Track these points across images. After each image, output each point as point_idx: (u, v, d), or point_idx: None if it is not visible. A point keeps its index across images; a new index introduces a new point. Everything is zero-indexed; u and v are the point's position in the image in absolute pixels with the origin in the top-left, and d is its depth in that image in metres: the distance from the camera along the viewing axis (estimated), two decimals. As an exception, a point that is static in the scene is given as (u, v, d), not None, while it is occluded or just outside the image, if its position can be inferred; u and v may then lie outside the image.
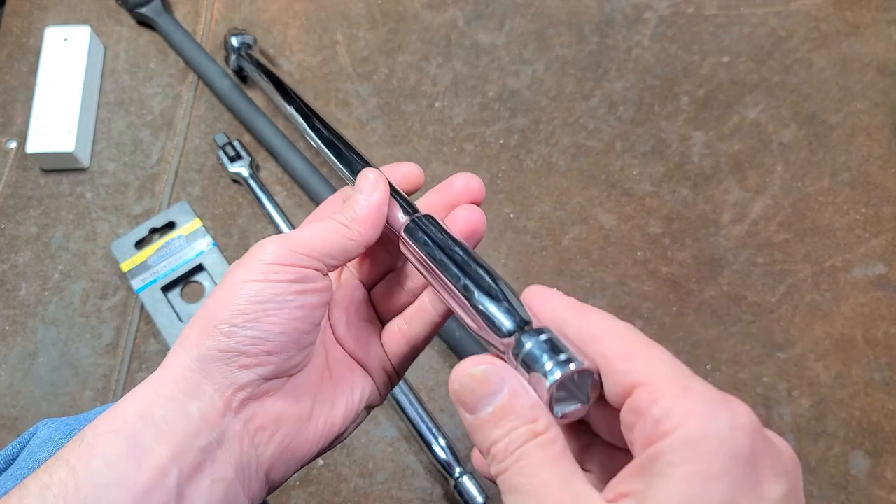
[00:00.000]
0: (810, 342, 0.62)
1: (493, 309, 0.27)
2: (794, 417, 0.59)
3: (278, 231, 0.67)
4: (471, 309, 0.28)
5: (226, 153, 0.70)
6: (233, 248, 0.68)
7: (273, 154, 0.71)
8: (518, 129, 0.71)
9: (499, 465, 0.23)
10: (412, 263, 0.32)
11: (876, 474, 0.57)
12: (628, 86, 0.72)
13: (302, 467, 0.31)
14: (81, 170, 0.72)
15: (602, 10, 0.76)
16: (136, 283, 0.65)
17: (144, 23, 0.78)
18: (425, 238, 0.31)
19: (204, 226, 0.68)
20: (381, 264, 0.36)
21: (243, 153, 0.70)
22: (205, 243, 0.67)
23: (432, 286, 0.30)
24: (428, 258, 0.30)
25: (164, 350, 0.64)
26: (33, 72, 0.74)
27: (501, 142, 0.71)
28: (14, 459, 0.38)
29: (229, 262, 0.67)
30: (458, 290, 0.28)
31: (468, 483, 0.56)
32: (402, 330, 0.34)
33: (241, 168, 0.69)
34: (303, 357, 0.31)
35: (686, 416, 0.21)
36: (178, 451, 0.27)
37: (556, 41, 0.75)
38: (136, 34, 0.78)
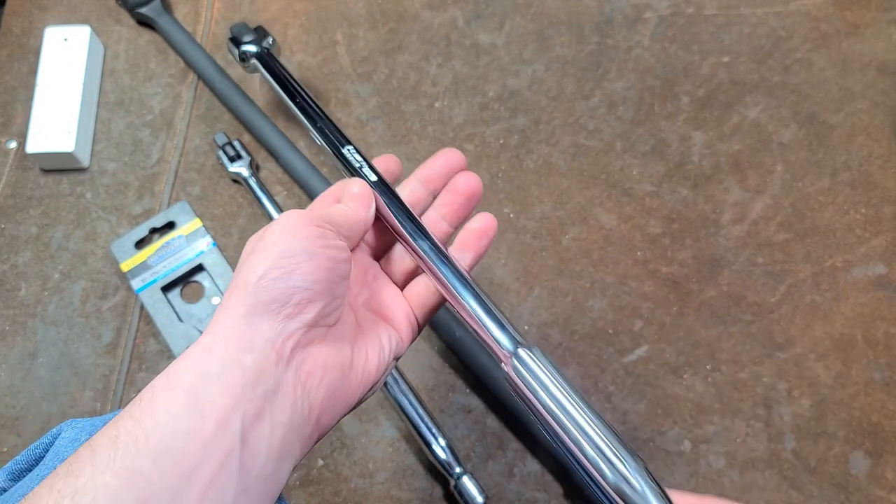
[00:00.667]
0: (810, 342, 0.62)
1: None
2: (794, 417, 0.59)
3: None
4: None
5: (226, 153, 0.70)
6: (233, 247, 0.68)
7: (273, 154, 0.71)
8: (518, 129, 0.71)
9: None
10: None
11: (876, 474, 0.57)
12: (628, 86, 0.72)
13: (346, 413, 0.34)
14: (81, 170, 0.72)
15: (602, 10, 0.76)
16: (135, 283, 0.65)
17: (144, 23, 0.78)
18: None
19: (204, 226, 0.68)
20: (382, 239, 0.43)
21: (243, 153, 0.70)
22: (205, 243, 0.67)
23: None
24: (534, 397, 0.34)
25: (164, 350, 0.64)
26: (33, 72, 0.74)
27: (501, 142, 0.71)
28: (38, 459, 0.38)
29: (229, 262, 0.67)
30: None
31: (468, 483, 0.56)
32: (418, 291, 0.41)
33: (240, 168, 0.69)
34: (337, 308, 0.34)
35: None
36: (238, 401, 0.28)
37: (556, 41, 0.75)
38: (135, 34, 0.78)
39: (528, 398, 0.33)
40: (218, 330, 0.30)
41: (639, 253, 0.66)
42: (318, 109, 0.52)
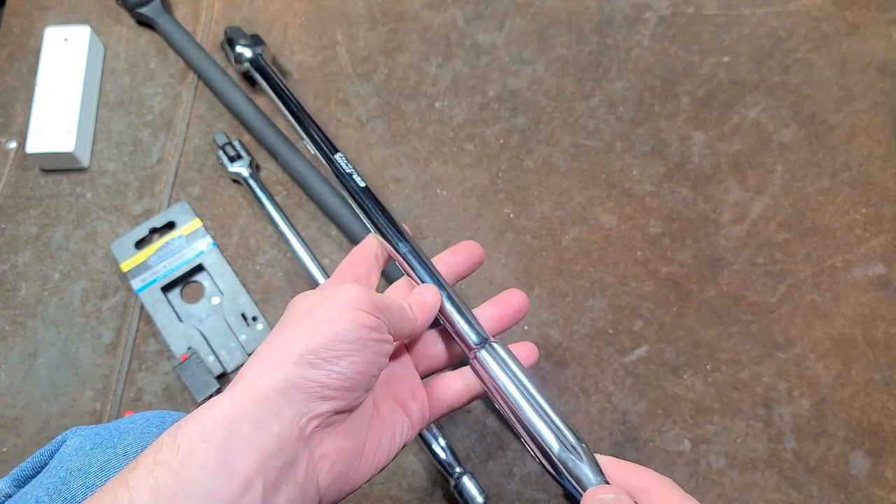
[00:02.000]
0: (810, 342, 0.62)
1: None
2: (794, 417, 0.59)
3: (278, 231, 0.67)
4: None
5: (226, 153, 0.70)
6: (233, 247, 0.68)
7: (273, 154, 0.71)
8: (518, 129, 0.71)
9: None
10: (486, 387, 0.39)
11: (876, 474, 0.57)
12: (628, 86, 0.72)
13: (349, 495, 0.35)
14: (81, 170, 0.72)
15: (602, 10, 0.76)
16: (135, 283, 0.65)
17: (144, 23, 0.78)
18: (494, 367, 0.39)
19: (204, 226, 0.68)
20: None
21: (243, 153, 0.70)
22: (205, 243, 0.67)
23: (503, 407, 0.38)
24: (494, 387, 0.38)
25: (163, 350, 0.64)
26: (33, 72, 0.74)
27: (501, 142, 0.71)
28: (42, 466, 0.38)
29: (229, 262, 0.67)
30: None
31: (468, 483, 0.56)
32: (441, 387, 0.41)
33: (240, 168, 0.69)
34: (364, 396, 0.34)
35: None
36: (261, 467, 0.29)
37: (556, 41, 0.75)
38: (135, 34, 0.78)
39: (489, 386, 0.38)
40: (252, 384, 0.31)
41: (639, 253, 0.66)
42: (309, 118, 0.55)
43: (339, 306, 0.33)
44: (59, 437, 0.39)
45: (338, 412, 0.32)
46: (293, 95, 0.62)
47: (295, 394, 0.30)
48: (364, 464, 0.34)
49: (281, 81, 0.65)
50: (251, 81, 0.75)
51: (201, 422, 0.29)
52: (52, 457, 0.38)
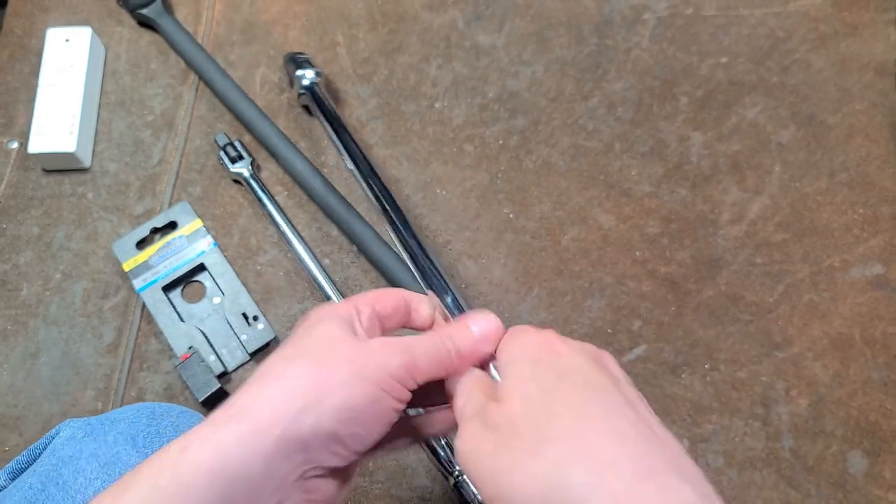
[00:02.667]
0: (808, 342, 0.62)
1: None
2: (792, 417, 0.59)
3: (279, 231, 0.67)
4: None
5: (227, 153, 0.70)
6: (233, 247, 0.68)
7: (274, 154, 0.71)
8: (517, 129, 0.71)
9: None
10: None
11: (874, 473, 0.57)
12: (627, 86, 0.73)
13: None
14: (83, 170, 0.72)
15: (601, 12, 0.76)
16: (137, 283, 0.66)
17: (145, 24, 0.78)
18: None
19: (205, 226, 0.68)
20: None
21: (244, 153, 0.70)
22: (206, 243, 0.68)
23: None
24: None
25: (165, 349, 0.64)
26: (35, 72, 0.74)
27: (501, 142, 0.71)
28: (36, 459, 0.39)
29: (230, 262, 0.67)
30: None
31: (468, 482, 0.57)
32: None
33: (241, 168, 0.69)
34: None
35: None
36: (258, 501, 0.28)
37: (556, 42, 0.75)
38: (137, 35, 0.78)
39: None
40: (266, 419, 0.29)
41: (637, 253, 0.66)
42: (359, 150, 0.55)
43: (375, 366, 0.31)
44: (53, 430, 0.39)
45: (344, 466, 0.32)
46: (354, 141, 0.62)
47: (311, 442, 0.29)
48: (341, 498, 0.33)
49: (335, 112, 0.64)
50: (307, 110, 0.73)
51: (210, 452, 0.28)
52: (45, 449, 0.39)
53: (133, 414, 0.41)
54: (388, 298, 0.36)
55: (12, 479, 0.39)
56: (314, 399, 0.29)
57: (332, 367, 0.30)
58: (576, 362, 0.31)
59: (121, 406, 0.63)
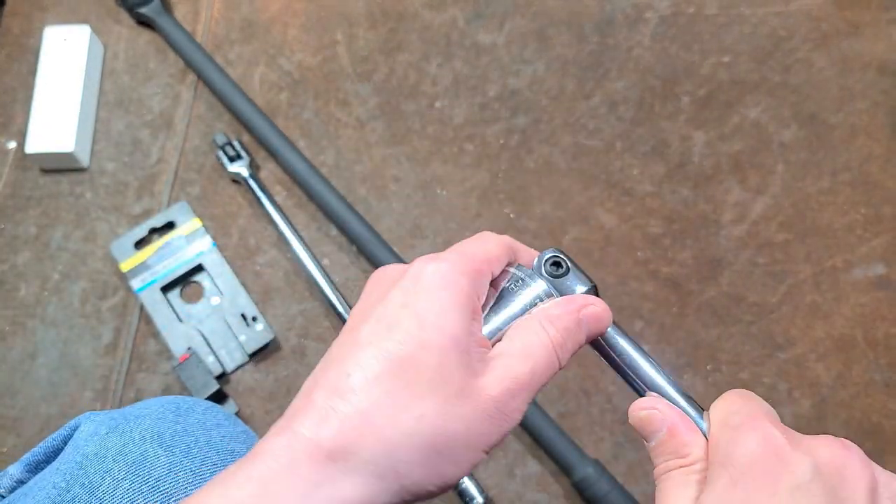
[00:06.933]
0: (811, 342, 0.62)
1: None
2: (795, 418, 0.59)
3: (278, 231, 0.67)
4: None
5: (225, 153, 0.69)
6: (232, 248, 0.68)
7: (273, 154, 0.70)
8: (518, 128, 0.71)
9: (656, 482, 0.28)
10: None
11: (876, 475, 0.57)
12: (629, 85, 0.72)
13: None
14: (81, 170, 0.71)
15: (603, 10, 0.76)
16: (135, 284, 0.65)
17: (144, 22, 0.78)
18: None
19: (203, 226, 0.68)
20: None
21: (243, 153, 0.70)
22: (204, 243, 0.67)
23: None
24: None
25: (163, 350, 0.64)
26: (33, 72, 0.73)
27: (502, 141, 0.71)
28: (56, 451, 0.38)
29: (229, 263, 0.67)
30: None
31: (468, 483, 0.56)
32: None
33: (240, 168, 0.69)
34: None
35: None
36: None
37: (557, 41, 0.75)
38: (135, 34, 0.78)
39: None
40: (307, 454, 0.24)
41: (639, 253, 0.66)
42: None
43: (452, 410, 0.25)
44: (72, 423, 0.38)
45: None
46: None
47: (355, 479, 0.24)
48: None
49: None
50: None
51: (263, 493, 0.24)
52: (65, 442, 0.38)
53: (158, 409, 0.40)
54: (500, 255, 0.30)
55: (30, 473, 0.38)
56: (364, 432, 0.24)
57: (452, 410, 0.25)
58: (805, 490, 0.24)
59: (119, 406, 0.62)
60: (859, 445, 0.25)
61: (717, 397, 0.54)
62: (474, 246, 0.29)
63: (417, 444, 0.25)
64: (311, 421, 0.25)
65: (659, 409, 0.29)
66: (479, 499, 0.56)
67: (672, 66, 0.73)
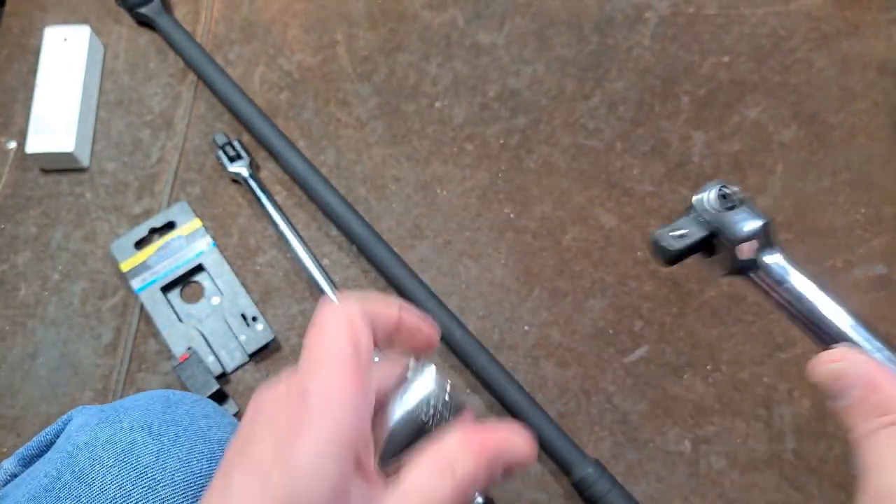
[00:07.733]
0: (811, 342, 0.62)
1: None
2: (795, 418, 0.59)
3: (278, 231, 0.67)
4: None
5: (225, 153, 0.69)
6: (232, 248, 0.68)
7: (273, 154, 0.70)
8: (518, 128, 0.71)
9: (856, 450, 0.24)
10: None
11: (876, 475, 0.57)
12: (629, 86, 0.72)
13: None
14: (81, 170, 0.71)
15: (602, 10, 0.76)
16: (135, 284, 0.65)
17: (144, 22, 0.78)
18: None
19: (203, 226, 0.68)
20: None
21: (243, 153, 0.70)
22: (204, 243, 0.67)
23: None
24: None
25: (163, 350, 0.64)
26: (33, 72, 0.74)
27: (501, 142, 0.71)
28: (50, 445, 0.38)
29: (229, 263, 0.67)
30: None
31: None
32: None
33: (240, 168, 0.69)
34: None
35: None
36: None
37: (557, 41, 0.75)
38: (135, 34, 0.78)
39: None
40: None
41: (639, 253, 0.66)
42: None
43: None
44: (65, 417, 0.39)
45: None
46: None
47: None
48: None
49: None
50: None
51: None
52: (57, 435, 0.38)
53: (147, 401, 0.41)
54: (368, 347, 0.24)
55: (24, 466, 0.39)
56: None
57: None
58: None
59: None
60: (861, 445, 0.25)
61: (716, 399, 0.54)
62: (340, 349, 0.23)
63: None
64: None
65: (852, 361, 0.26)
66: (479, 499, 0.56)
67: (672, 66, 0.73)
